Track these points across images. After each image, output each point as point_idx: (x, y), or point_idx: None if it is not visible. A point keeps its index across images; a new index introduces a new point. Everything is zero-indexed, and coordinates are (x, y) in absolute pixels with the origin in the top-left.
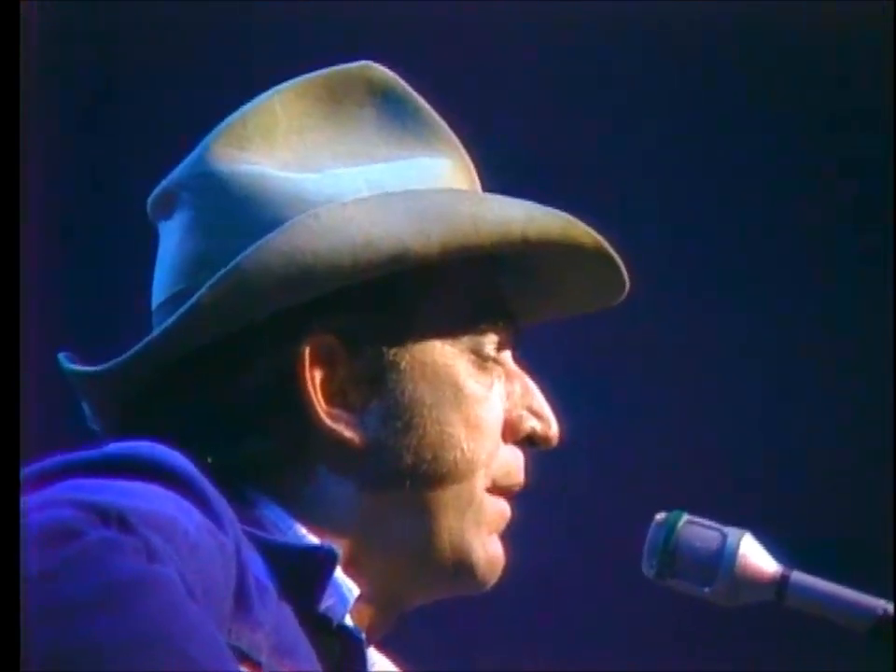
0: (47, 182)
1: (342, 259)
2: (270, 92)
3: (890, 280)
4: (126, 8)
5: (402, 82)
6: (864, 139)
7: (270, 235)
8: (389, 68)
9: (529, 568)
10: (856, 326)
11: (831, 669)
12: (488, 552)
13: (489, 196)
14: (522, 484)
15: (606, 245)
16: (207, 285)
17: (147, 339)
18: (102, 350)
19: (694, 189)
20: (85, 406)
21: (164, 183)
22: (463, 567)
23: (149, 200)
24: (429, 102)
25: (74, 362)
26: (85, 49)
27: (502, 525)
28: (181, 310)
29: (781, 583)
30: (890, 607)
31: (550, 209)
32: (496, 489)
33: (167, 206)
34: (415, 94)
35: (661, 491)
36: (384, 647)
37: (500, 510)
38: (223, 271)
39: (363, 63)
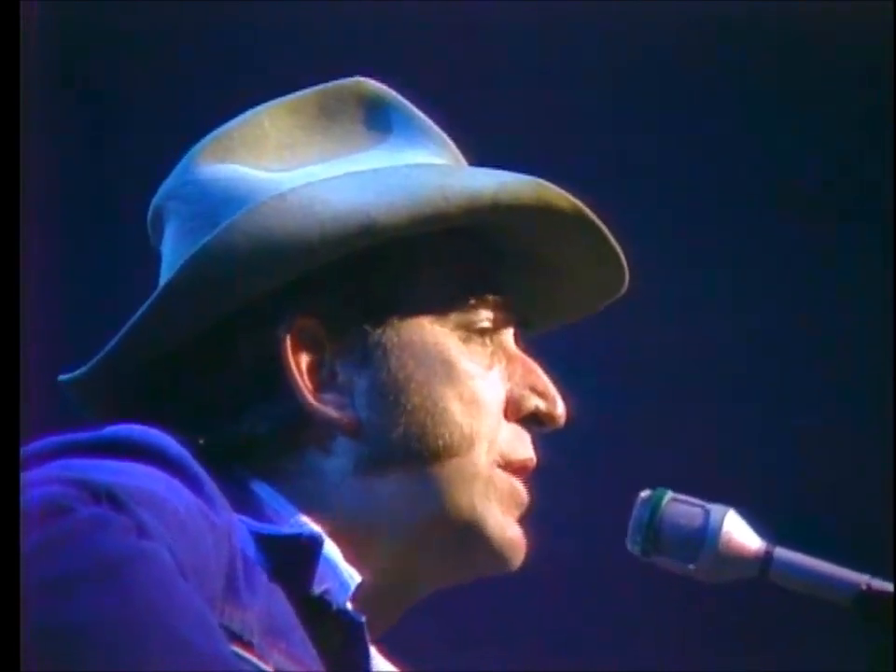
0: (47, 182)
1: (309, 235)
2: (258, 108)
3: (890, 266)
4: (126, 9)
5: (397, 95)
6: (865, 138)
7: (234, 217)
8: (384, 71)
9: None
10: (854, 308)
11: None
12: (506, 531)
13: (461, 167)
14: (533, 460)
15: (584, 208)
16: (175, 270)
17: (119, 334)
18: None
19: (694, 187)
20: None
21: (153, 199)
22: (476, 541)
23: (148, 222)
24: (428, 102)
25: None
26: (85, 49)
27: (518, 506)
28: (150, 299)
29: (765, 559)
30: (874, 581)
31: (522, 175)
32: (507, 466)
33: (159, 222)
34: (410, 106)
35: (647, 470)
36: (386, 647)
37: (512, 487)
38: (189, 255)
39: (356, 78)
